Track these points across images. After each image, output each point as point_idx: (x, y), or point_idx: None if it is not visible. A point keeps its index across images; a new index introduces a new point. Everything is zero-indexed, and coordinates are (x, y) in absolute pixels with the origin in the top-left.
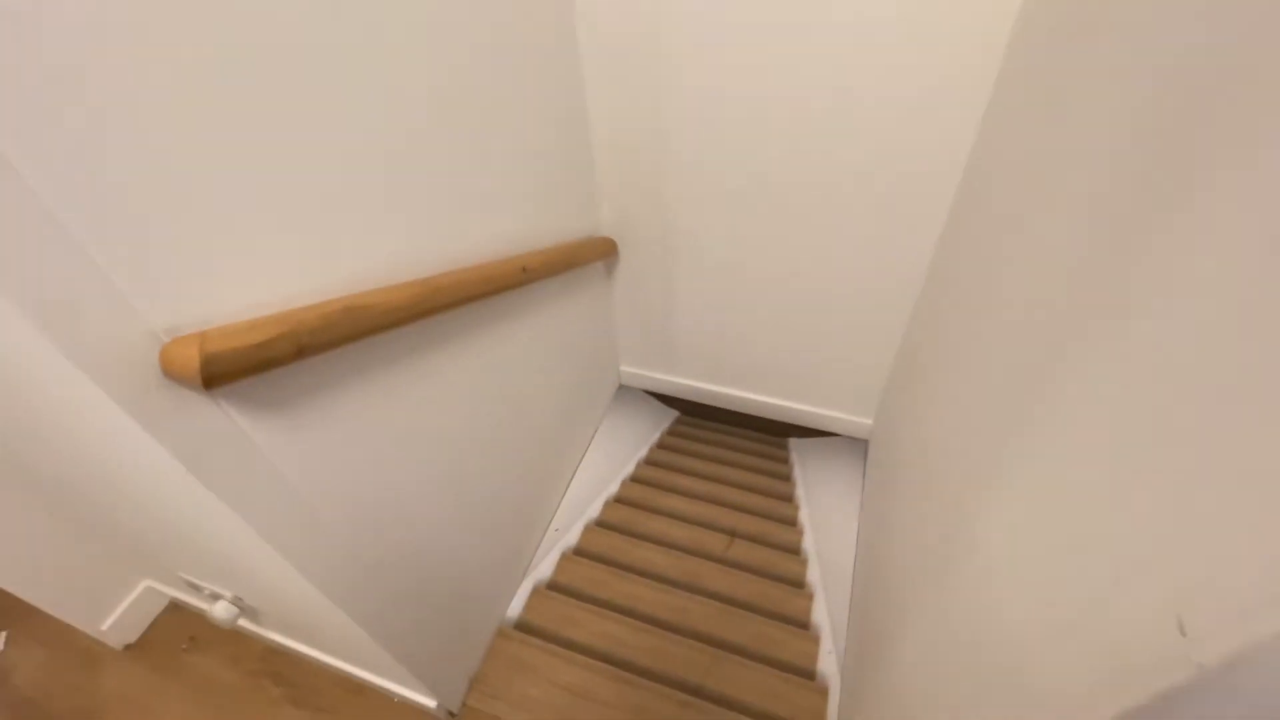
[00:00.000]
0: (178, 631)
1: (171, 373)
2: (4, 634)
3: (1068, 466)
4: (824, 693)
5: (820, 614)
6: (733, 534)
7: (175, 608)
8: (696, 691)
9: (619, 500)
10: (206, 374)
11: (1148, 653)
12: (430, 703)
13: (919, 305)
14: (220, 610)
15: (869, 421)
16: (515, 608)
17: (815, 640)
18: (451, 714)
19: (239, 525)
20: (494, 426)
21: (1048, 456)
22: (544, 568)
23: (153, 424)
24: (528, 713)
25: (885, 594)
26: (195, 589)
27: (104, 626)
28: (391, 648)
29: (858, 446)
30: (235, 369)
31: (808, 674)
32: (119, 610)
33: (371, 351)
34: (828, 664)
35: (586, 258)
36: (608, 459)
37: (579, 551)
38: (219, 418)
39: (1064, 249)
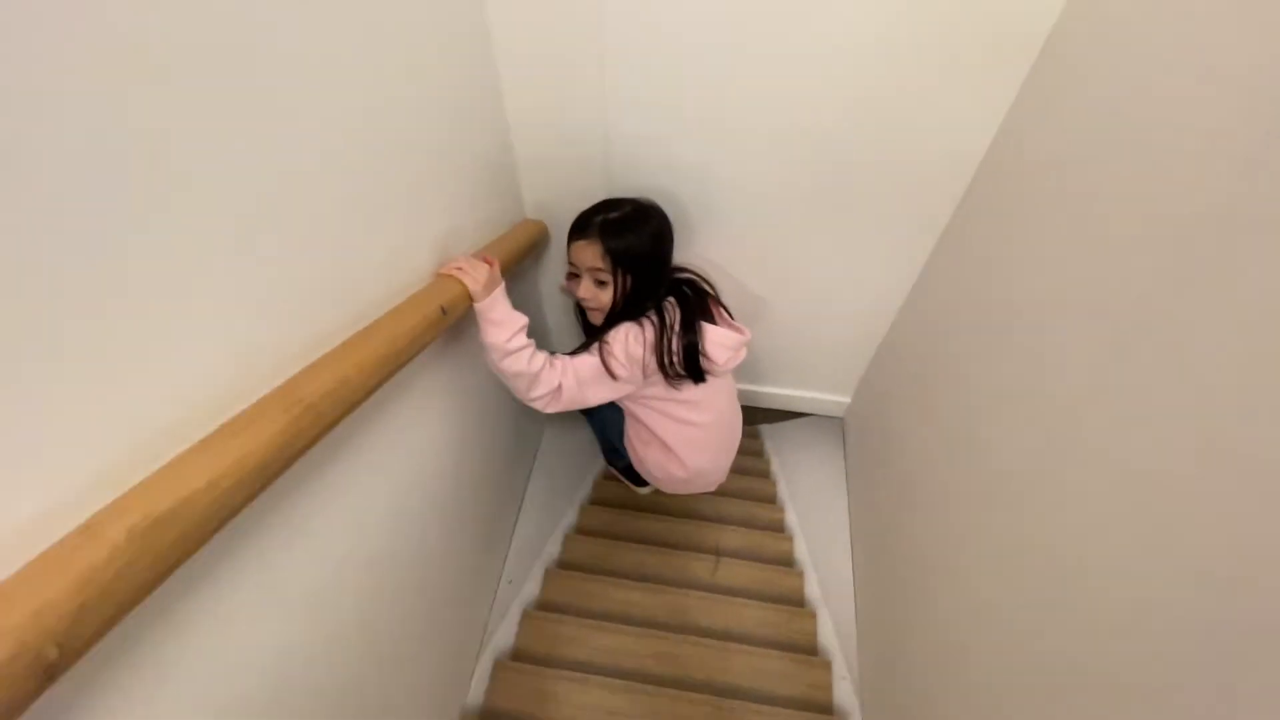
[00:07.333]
0: None
1: None
2: None
3: None
4: None
5: (827, 634)
6: (717, 553)
7: None
8: None
9: (580, 531)
10: None
11: None
12: None
13: (932, 268)
14: None
15: (847, 400)
16: (476, 693)
17: (826, 667)
18: None
19: None
20: (413, 527)
21: None
22: (503, 634)
23: None
24: None
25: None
26: None
27: None
28: None
29: (833, 426)
30: None
31: (824, 708)
32: None
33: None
34: (843, 693)
35: (519, 256)
36: (559, 480)
37: (542, 605)
38: None
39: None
